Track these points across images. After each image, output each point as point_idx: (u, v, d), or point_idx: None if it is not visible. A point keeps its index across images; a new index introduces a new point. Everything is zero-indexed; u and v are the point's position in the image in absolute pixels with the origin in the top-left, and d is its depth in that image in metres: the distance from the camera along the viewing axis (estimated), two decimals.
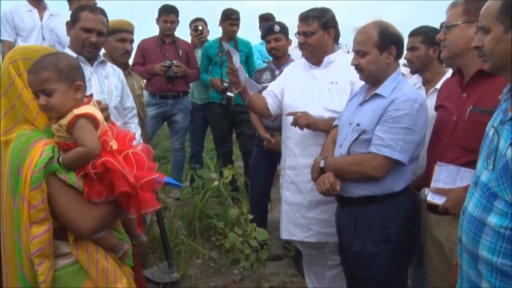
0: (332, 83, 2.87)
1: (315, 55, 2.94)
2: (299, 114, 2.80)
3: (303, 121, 2.79)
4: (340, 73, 2.86)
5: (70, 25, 2.81)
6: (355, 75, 2.56)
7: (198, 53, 5.22)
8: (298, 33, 2.93)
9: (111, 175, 1.61)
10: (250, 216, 3.50)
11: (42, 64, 1.64)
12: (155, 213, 3.62)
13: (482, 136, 1.99)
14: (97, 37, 2.75)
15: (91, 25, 2.73)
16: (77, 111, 1.63)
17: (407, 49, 2.86)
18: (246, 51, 4.94)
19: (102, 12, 2.81)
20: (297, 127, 2.83)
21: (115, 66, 3.10)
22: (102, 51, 3.57)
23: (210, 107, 5.07)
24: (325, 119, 2.82)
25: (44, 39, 4.27)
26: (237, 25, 4.94)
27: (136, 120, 3.15)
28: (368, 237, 2.38)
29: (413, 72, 3.18)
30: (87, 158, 1.61)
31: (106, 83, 2.88)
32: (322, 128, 2.81)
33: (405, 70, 3.83)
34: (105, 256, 1.72)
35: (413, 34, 2.89)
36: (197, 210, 4.23)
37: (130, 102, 3.09)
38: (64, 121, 1.63)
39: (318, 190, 2.48)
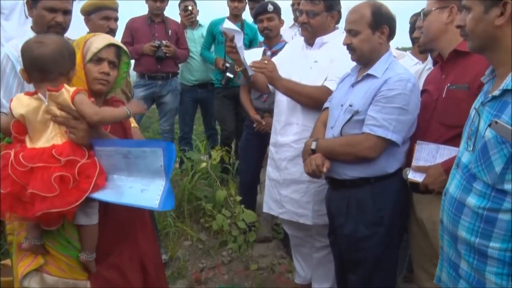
0: (315, 62, 2.84)
1: (315, 36, 2.86)
2: (265, 62, 2.78)
3: (268, 72, 2.76)
4: (327, 53, 2.82)
5: (31, 4, 2.50)
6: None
7: (188, 34, 5.13)
8: (301, 11, 2.84)
9: None
10: (238, 198, 3.49)
11: None
12: None
13: (460, 111, 2.09)
14: (63, 16, 2.47)
15: (56, 3, 2.44)
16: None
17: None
18: (251, 36, 4.82)
19: None
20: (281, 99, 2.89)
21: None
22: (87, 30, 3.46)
23: (214, 89, 4.97)
24: (286, 79, 2.80)
25: (27, 17, 4.13)
26: (239, 1, 4.80)
27: None
28: (361, 219, 2.37)
29: None
30: None
31: None
32: (278, 86, 2.80)
33: (396, 53, 3.81)
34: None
35: None
36: (185, 192, 4.20)
37: None
38: None
39: (305, 171, 2.47)
